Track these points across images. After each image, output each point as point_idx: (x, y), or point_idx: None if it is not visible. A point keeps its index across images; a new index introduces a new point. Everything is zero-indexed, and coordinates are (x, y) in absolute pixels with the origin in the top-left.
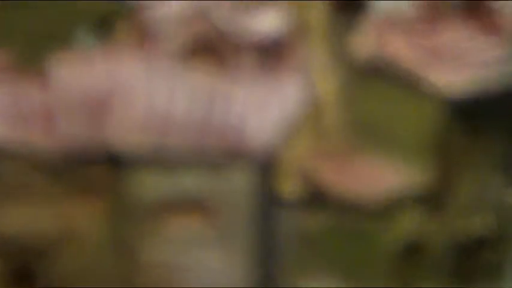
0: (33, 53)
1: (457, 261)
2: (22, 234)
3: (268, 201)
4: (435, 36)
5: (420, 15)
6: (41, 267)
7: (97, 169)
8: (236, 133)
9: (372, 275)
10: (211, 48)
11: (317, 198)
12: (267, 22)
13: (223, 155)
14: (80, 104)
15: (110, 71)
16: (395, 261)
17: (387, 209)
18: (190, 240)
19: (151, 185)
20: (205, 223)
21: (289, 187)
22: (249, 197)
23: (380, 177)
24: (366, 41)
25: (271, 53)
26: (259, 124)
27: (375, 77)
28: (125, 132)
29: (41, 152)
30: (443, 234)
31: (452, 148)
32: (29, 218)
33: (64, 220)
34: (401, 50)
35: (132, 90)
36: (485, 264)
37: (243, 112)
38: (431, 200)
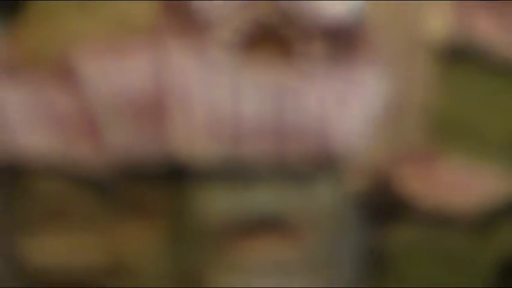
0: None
1: None
2: (65, 266)
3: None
4: None
5: None
6: None
7: (154, 185)
8: (316, 136)
9: None
10: (275, 36)
11: (399, 209)
12: (340, 3)
13: (304, 163)
14: (123, 108)
15: (153, 65)
16: (491, 284)
17: (482, 223)
18: (269, 268)
19: (220, 203)
20: (287, 246)
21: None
22: (338, 213)
23: (472, 184)
24: (447, 20)
25: (345, 40)
26: (340, 124)
27: (461, 63)
28: (186, 140)
29: (86, 167)
30: None
31: None
32: (73, 247)
33: (115, 248)
34: (492, 30)
35: (187, 88)
36: None
37: (321, 110)
38: None
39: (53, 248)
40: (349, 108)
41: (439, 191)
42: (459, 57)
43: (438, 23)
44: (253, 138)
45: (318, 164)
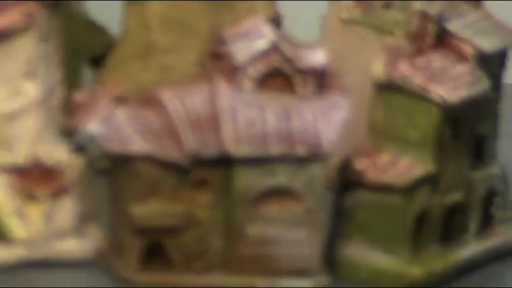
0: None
1: (443, 223)
2: (156, 219)
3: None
4: (427, 62)
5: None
6: (170, 243)
7: (212, 169)
8: (311, 137)
9: (394, 239)
10: (282, 73)
11: (355, 182)
12: (317, 56)
13: (304, 154)
14: (193, 122)
15: (208, 93)
16: (411, 227)
17: (406, 189)
18: (282, 221)
19: (252, 179)
20: (294, 207)
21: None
22: (324, 185)
23: (398, 166)
24: (382, 66)
25: (325, 77)
26: (326, 130)
27: (391, 91)
28: (232, 141)
29: (172, 158)
30: (438, 206)
31: (444, 144)
32: (161, 207)
33: (187, 208)
34: (408, 72)
35: (231, 108)
36: (459, 223)
37: (314, 121)
38: (433, 181)
39: (149, 207)
40: (330, 120)
41: (378, 171)
42: (389, 87)
43: (379, 66)
44: (273, 139)
45: (313, 155)
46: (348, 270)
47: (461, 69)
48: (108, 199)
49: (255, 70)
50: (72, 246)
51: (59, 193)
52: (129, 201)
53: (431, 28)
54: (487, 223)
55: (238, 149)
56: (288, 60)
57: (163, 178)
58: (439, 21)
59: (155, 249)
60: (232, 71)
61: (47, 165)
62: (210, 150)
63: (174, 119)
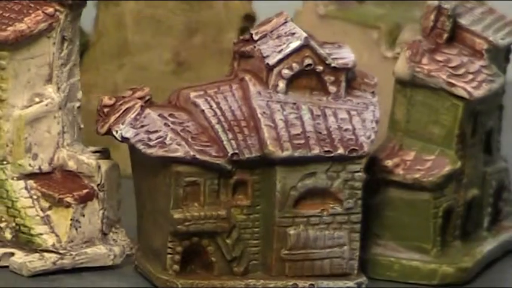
0: None
1: (463, 217)
2: (197, 223)
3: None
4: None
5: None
6: (209, 247)
7: (252, 171)
8: (350, 136)
9: (424, 237)
10: (314, 71)
11: (383, 179)
12: (346, 54)
13: (346, 153)
14: (230, 124)
15: (242, 94)
16: (440, 224)
17: (433, 185)
18: (323, 220)
19: (294, 180)
20: (334, 207)
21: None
22: (362, 185)
23: (422, 163)
24: (405, 62)
25: (356, 74)
26: (362, 128)
27: (415, 87)
28: (274, 142)
29: (212, 162)
30: (461, 202)
31: (465, 139)
32: (202, 210)
33: (227, 211)
34: (432, 68)
35: (269, 111)
36: (475, 219)
37: (349, 120)
38: (457, 177)
39: (191, 215)
40: (364, 118)
41: (407, 168)
42: (412, 83)
43: (402, 62)
44: (312, 139)
45: (353, 154)
46: (379, 269)
47: (478, 64)
48: (141, 203)
49: (288, 69)
50: (101, 252)
51: (87, 199)
52: (170, 205)
53: (448, 23)
54: (495, 218)
55: (279, 150)
56: (320, 58)
57: (204, 181)
58: (454, 16)
59: (194, 252)
60: (263, 71)
61: (72, 170)
62: (251, 152)
63: (211, 121)
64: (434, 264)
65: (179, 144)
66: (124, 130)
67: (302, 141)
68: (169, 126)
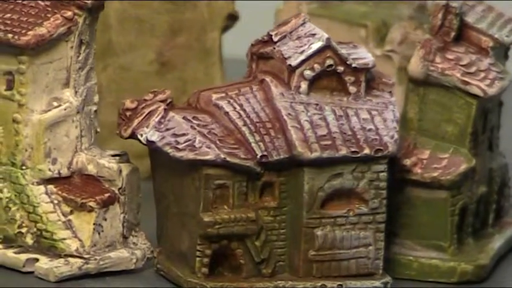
0: None
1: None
2: (227, 225)
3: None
4: (457, 56)
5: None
6: (238, 249)
7: (280, 173)
8: (374, 136)
9: (441, 235)
10: (335, 71)
11: (402, 179)
12: (365, 54)
13: (372, 153)
14: (257, 126)
15: (264, 95)
16: (457, 222)
17: (450, 184)
18: (349, 220)
19: (321, 181)
20: (359, 207)
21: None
22: (387, 185)
23: (437, 162)
24: (419, 61)
25: (375, 75)
26: (385, 127)
27: (428, 86)
28: (302, 144)
29: (241, 165)
30: (474, 199)
31: (477, 137)
32: (231, 213)
33: (255, 213)
34: (446, 66)
35: (294, 113)
36: (483, 215)
37: (371, 120)
38: (472, 175)
39: (221, 218)
40: (385, 118)
41: (424, 167)
42: (425, 82)
43: (415, 61)
44: (339, 140)
45: (379, 154)
46: (397, 268)
47: (487, 62)
48: (164, 206)
49: (310, 70)
50: (124, 256)
51: (109, 203)
52: (200, 208)
53: (455, 21)
54: (498, 214)
55: (308, 151)
56: (341, 58)
57: (232, 183)
58: (461, 14)
59: (221, 255)
60: (284, 72)
61: (92, 174)
62: (279, 154)
63: (237, 123)
64: (453, 262)
65: (209, 147)
66: (149, 134)
67: (329, 142)
68: (195, 129)
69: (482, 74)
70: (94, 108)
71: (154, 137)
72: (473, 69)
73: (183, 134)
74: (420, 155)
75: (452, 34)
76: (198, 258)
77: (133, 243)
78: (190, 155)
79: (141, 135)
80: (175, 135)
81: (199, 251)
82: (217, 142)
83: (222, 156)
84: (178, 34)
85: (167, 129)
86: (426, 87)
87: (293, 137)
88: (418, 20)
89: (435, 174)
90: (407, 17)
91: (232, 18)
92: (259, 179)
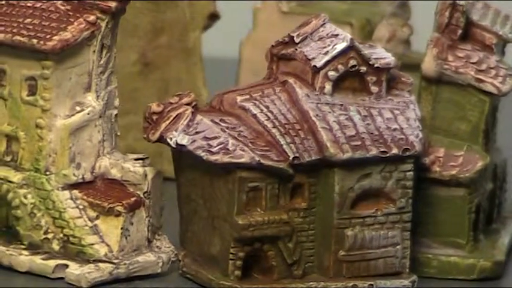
0: None
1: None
2: (260, 228)
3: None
4: (466, 54)
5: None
6: (270, 251)
7: (306, 174)
8: (400, 136)
9: (459, 232)
10: (357, 72)
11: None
12: (385, 54)
13: (400, 153)
14: (286, 127)
15: (289, 97)
16: (473, 219)
17: (473, 182)
18: (378, 220)
19: (351, 182)
20: (387, 207)
21: None
22: (413, 182)
23: (452, 159)
24: (432, 59)
25: (394, 74)
26: (408, 127)
27: (441, 84)
28: (334, 145)
29: (278, 165)
30: (485, 195)
31: (488, 134)
32: (264, 215)
33: (287, 214)
34: (459, 64)
35: (321, 114)
36: (490, 211)
37: (395, 120)
38: (485, 171)
39: (255, 220)
40: (408, 117)
41: (442, 165)
42: (438, 80)
43: (429, 60)
44: (367, 140)
45: (406, 154)
46: (416, 266)
47: (494, 59)
48: (191, 209)
49: (334, 71)
50: (151, 260)
51: (135, 207)
52: (234, 211)
53: (462, 19)
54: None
55: (340, 152)
56: (364, 59)
57: (265, 186)
58: (467, 12)
59: (252, 257)
60: (307, 73)
61: (116, 178)
62: (310, 155)
63: (267, 125)
64: (472, 259)
65: (243, 150)
66: (179, 137)
67: (359, 143)
68: (225, 131)
69: (493, 72)
70: (115, 112)
71: (184, 140)
72: (483, 66)
73: (215, 137)
74: (436, 153)
75: (459, 32)
76: (231, 261)
77: (157, 246)
78: (225, 158)
79: (171, 138)
80: (206, 138)
81: (232, 253)
82: (249, 144)
83: (257, 158)
84: (160, 34)
85: (197, 133)
86: (439, 86)
87: (324, 138)
88: (401, 17)
89: (453, 172)
90: (389, 15)
91: (213, 17)
92: (290, 181)
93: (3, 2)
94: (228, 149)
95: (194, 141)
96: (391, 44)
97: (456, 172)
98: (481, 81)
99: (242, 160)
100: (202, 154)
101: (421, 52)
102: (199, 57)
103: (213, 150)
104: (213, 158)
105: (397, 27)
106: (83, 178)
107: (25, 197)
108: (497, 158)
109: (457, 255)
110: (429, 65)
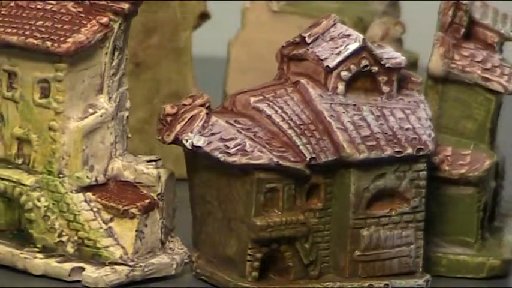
0: None
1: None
2: (278, 229)
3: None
4: (471, 53)
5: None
6: (287, 252)
7: (322, 174)
8: (413, 135)
9: (467, 230)
10: (370, 72)
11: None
12: (395, 54)
13: (414, 153)
14: (301, 128)
15: (302, 101)
16: (481, 217)
17: (482, 180)
18: (392, 220)
19: (366, 182)
20: (402, 206)
21: None
22: (426, 181)
23: (460, 158)
24: (439, 58)
25: (405, 74)
26: (421, 126)
27: (448, 83)
28: (350, 145)
29: (296, 166)
30: (490, 193)
31: (494, 132)
32: (281, 216)
33: (303, 215)
34: (465, 63)
35: (335, 114)
36: (492, 209)
37: (406, 119)
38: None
39: (273, 221)
40: (419, 117)
41: (450, 164)
42: (445, 79)
43: (436, 58)
44: (382, 140)
45: (420, 153)
46: (426, 265)
47: (497, 58)
48: (205, 211)
49: (347, 71)
50: (165, 262)
51: (149, 209)
52: (251, 213)
53: (465, 18)
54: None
55: (356, 152)
56: (376, 59)
57: (282, 186)
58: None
59: (269, 258)
60: (319, 73)
61: (128, 180)
62: (327, 156)
63: (282, 126)
64: (482, 257)
65: (261, 151)
66: (195, 139)
67: (374, 143)
68: (241, 132)
69: (499, 70)
70: (126, 114)
71: (200, 142)
72: (488, 65)
73: (232, 139)
74: (443, 152)
75: (462, 31)
76: (248, 262)
77: (170, 248)
78: (244, 160)
79: (186, 140)
80: (223, 139)
81: (249, 255)
82: (266, 145)
83: (275, 160)
84: (151, 34)
85: (212, 134)
86: (445, 85)
87: (340, 139)
88: (392, 16)
89: (463, 171)
90: (381, 13)
91: (204, 17)
92: (307, 182)
93: (12, 4)
94: (246, 150)
95: (210, 142)
96: (384, 42)
97: (465, 171)
98: (487, 80)
99: (261, 161)
100: (220, 156)
101: (412, 51)
102: (190, 57)
103: (231, 151)
104: (231, 159)
105: (390, 26)
106: (96, 180)
107: (38, 200)
108: (498, 155)
109: (465, 254)
110: (436, 64)
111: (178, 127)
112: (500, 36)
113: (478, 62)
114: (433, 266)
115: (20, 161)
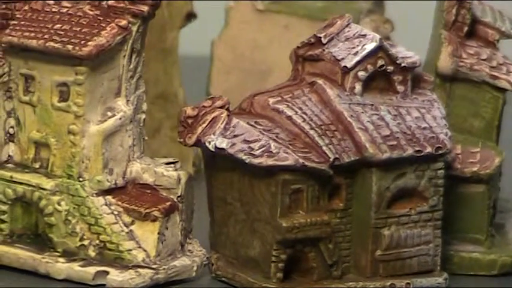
0: None
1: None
2: (303, 230)
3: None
4: (476, 51)
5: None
6: (311, 252)
7: (343, 175)
8: (430, 134)
9: (478, 228)
10: (385, 71)
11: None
12: (409, 53)
13: (433, 152)
14: (322, 128)
15: (320, 101)
16: (490, 213)
17: (492, 178)
18: (412, 219)
19: (387, 182)
20: (421, 205)
21: None
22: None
23: (468, 157)
24: (448, 57)
25: (418, 73)
26: (437, 125)
27: (455, 81)
28: (372, 145)
29: (320, 166)
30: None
31: (500, 130)
32: (306, 217)
33: (327, 216)
34: (473, 61)
35: (355, 114)
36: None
37: (423, 118)
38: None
39: (298, 222)
40: (434, 116)
41: (461, 162)
42: (452, 78)
43: (444, 57)
44: (402, 140)
45: (439, 152)
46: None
47: (500, 55)
48: (226, 212)
49: (364, 71)
50: (186, 264)
51: (170, 211)
52: (277, 214)
53: (468, 16)
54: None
55: (379, 152)
56: (391, 58)
57: (307, 187)
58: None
59: (292, 258)
60: (336, 74)
61: (147, 182)
62: (349, 156)
63: (304, 126)
64: (493, 254)
65: (286, 153)
66: (218, 141)
67: (394, 143)
68: (264, 134)
69: (504, 68)
70: (143, 116)
71: (223, 144)
72: (494, 63)
73: (256, 140)
74: (454, 150)
75: (465, 29)
76: (273, 264)
77: (189, 250)
78: (270, 161)
79: (209, 142)
80: (247, 141)
81: (274, 256)
82: (290, 147)
83: (301, 161)
84: None
85: (235, 136)
86: (453, 83)
87: (362, 139)
88: (378, 14)
89: (474, 168)
90: (366, 11)
91: (190, 17)
92: (329, 182)
93: (27, 8)
94: (271, 152)
95: (234, 144)
96: None
97: (477, 169)
98: (495, 77)
99: (287, 163)
100: (245, 157)
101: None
102: (177, 57)
103: (256, 153)
104: (256, 161)
105: (379, 24)
106: (115, 184)
107: (59, 204)
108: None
109: (476, 251)
110: (445, 63)
111: (200, 129)
112: (501, 34)
113: (483, 60)
114: (445, 263)
115: (37, 165)
